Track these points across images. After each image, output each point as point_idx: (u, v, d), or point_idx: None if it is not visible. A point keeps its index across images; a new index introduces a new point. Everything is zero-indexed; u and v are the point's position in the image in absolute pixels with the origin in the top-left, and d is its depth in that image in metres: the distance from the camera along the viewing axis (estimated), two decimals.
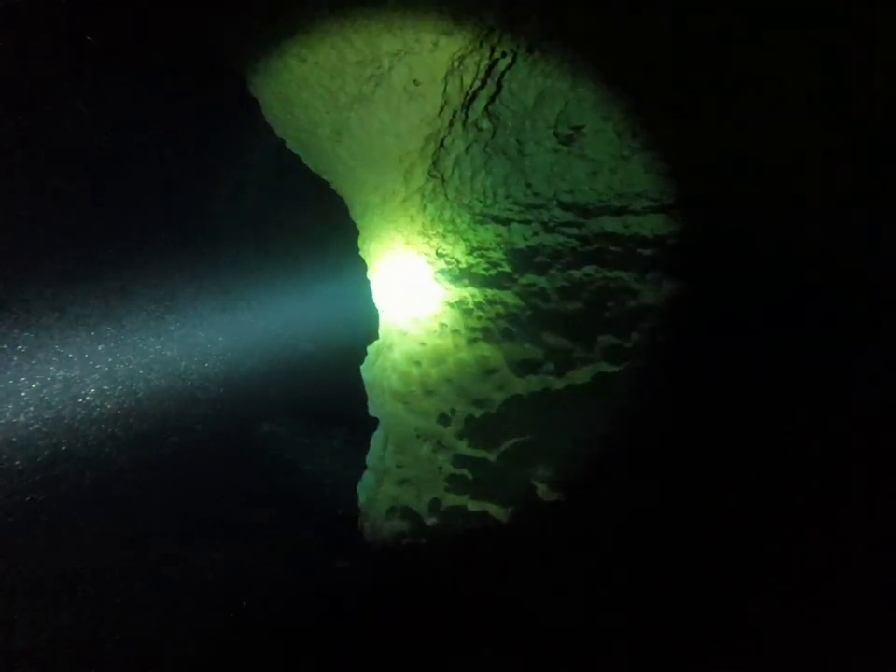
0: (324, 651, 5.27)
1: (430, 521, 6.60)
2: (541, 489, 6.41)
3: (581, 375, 6.49)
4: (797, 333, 3.88)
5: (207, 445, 9.74)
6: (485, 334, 6.95)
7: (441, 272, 7.13)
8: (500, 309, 6.97)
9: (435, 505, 6.64)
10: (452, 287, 7.09)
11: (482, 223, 7.04)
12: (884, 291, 3.63)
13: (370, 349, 7.30)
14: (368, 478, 7.50)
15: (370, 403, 7.29)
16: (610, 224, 6.52)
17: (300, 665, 5.18)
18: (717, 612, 3.50)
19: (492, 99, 5.90)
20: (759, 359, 4.06)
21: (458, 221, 7.08)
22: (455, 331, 7.05)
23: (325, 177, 7.15)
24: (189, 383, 10.52)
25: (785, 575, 3.43)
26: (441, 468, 6.78)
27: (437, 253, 7.18)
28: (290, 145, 6.90)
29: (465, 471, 6.68)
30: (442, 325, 7.11)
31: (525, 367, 6.80)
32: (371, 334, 7.64)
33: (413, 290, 7.27)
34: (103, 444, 8.08)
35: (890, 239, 3.57)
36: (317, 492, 9.39)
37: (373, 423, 7.63)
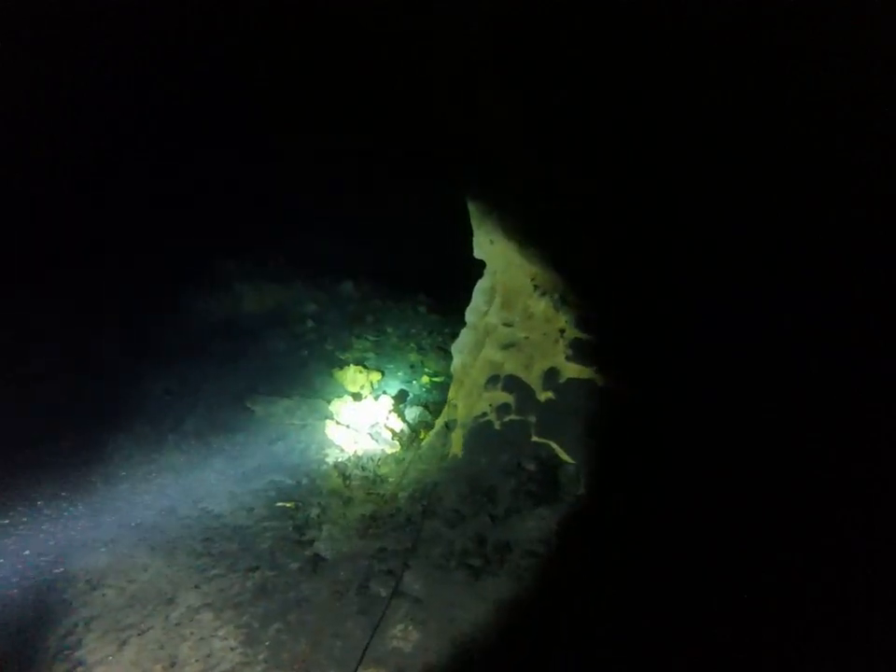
0: None
1: (544, 396, 5.16)
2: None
3: None
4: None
5: None
6: None
7: None
8: None
9: (551, 376, 5.16)
10: None
11: None
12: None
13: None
14: (465, 337, 6.09)
15: (475, 241, 5.69)
16: None
17: None
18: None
19: None
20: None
21: None
22: None
23: None
24: None
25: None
26: (562, 331, 5.24)
27: None
28: None
29: (592, 337, 5.10)
30: None
31: None
32: None
33: None
34: None
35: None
36: (401, 355, 8.26)
37: (466, 291, 6.09)
